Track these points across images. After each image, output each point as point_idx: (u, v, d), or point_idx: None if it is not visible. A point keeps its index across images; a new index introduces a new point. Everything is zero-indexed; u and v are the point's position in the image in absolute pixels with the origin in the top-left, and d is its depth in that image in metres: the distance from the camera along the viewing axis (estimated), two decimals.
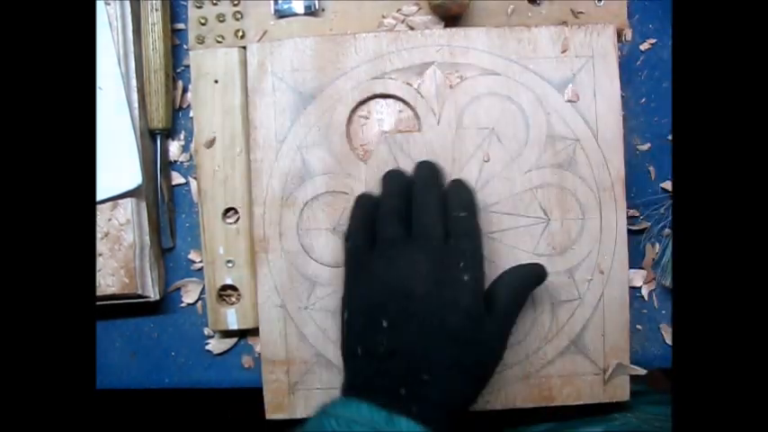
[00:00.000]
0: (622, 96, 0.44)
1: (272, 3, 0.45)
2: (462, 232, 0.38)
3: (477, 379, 0.37)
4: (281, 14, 0.46)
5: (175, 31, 0.47)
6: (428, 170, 0.40)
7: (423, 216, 0.38)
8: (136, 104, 0.45)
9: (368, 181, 0.43)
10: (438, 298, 0.36)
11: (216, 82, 0.44)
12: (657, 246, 0.46)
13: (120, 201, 0.44)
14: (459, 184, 0.40)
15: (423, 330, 0.35)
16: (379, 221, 0.39)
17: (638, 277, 0.46)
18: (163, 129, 0.46)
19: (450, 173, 0.42)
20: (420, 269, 0.36)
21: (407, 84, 0.43)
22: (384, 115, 0.43)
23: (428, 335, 0.35)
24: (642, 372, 0.43)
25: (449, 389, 0.35)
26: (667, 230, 0.45)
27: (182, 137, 0.47)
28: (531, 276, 0.40)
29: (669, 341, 0.45)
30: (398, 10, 0.45)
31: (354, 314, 0.37)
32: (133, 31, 0.45)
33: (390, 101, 0.43)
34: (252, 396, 0.45)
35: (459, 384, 0.35)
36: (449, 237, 0.37)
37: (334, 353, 0.43)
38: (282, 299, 0.43)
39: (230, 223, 0.44)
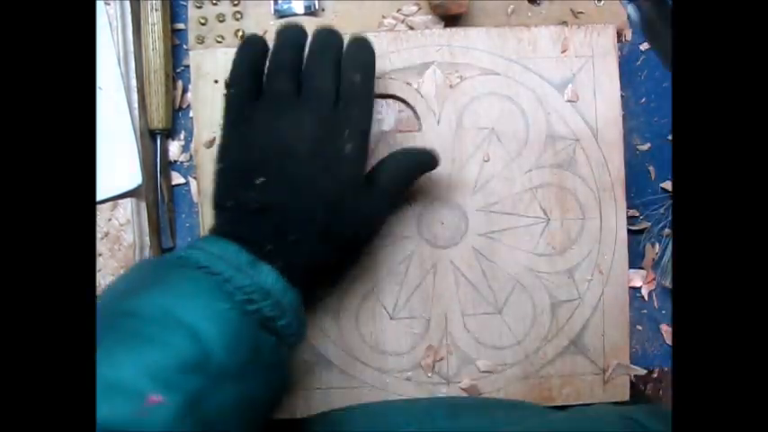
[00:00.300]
0: (622, 96, 0.44)
1: (272, 3, 0.45)
2: (353, 98, 0.37)
3: (341, 248, 0.37)
4: (281, 14, 0.46)
5: (175, 31, 0.47)
6: (326, 33, 0.38)
7: (315, 77, 0.37)
8: (136, 104, 0.45)
9: None
10: (317, 164, 0.36)
11: (216, 82, 0.44)
12: (657, 246, 0.46)
13: (120, 201, 0.44)
14: (358, 44, 0.38)
15: (297, 192, 0.35)
16: (270, 74, 0.38)
17: (638, 277, 0.46)
18: (163, 129, 0.46)
19: (450, 173, 0.42)
20: (304, 131, 0.36)
21: (407, 84, 0.43)
22: (384, 115, 0.43)
23: (301, 198, 0.35)
24: (642, 372, 0.43)
25: (313, 251, 0.36)
26: (667, 230, 0.45)
27: (182, 137, 0.47)
28: (416, 161, 0.40)
29: (669, 341, 0.45)
30: (398, 10, 0.45)
31: (230, 166, 0.37)
32: (133, 31, 0.45)
33: (390, 101, 0.43)
34: None
35: (323, 249, 0.36)
36: (339, 100, 0.37)
37: (333, 353, 0.43)
38: None
39: None
